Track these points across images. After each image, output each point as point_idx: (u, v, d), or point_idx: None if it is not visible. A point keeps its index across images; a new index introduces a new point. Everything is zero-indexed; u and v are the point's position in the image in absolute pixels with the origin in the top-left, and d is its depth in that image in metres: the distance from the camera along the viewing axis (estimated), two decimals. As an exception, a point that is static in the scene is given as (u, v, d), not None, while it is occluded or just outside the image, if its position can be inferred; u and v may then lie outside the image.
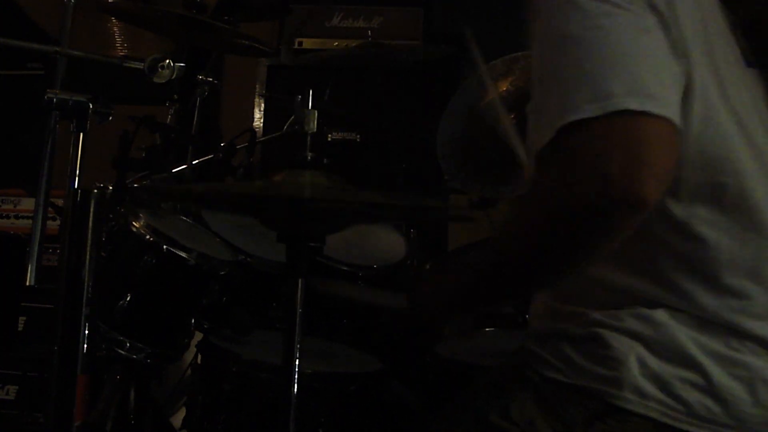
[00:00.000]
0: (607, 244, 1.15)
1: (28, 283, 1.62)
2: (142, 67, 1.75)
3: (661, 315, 1.19)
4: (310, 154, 1.25)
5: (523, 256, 1.21)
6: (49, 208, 1.69)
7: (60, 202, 1.82)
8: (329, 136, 3.27)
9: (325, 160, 2.35)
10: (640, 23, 1.14)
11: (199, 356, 1.95)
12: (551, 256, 1.18)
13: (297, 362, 1.23)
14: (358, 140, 3.31)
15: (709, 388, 1.16)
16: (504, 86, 2.18)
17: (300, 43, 3.41)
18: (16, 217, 3.21)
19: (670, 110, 1.11)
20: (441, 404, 1.88)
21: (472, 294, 1.33)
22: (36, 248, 1.63)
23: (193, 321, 1.98)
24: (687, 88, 1.16)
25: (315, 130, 1.35)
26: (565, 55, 1.15)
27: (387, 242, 2.31)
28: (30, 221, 1.90)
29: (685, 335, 1.18)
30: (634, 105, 1.08)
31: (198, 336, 1.99)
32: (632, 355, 1.18)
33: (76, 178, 1.66)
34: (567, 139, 1.10)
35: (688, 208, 1.19)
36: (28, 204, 3.17)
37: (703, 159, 1.19)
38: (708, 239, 1.19)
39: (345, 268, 2.09)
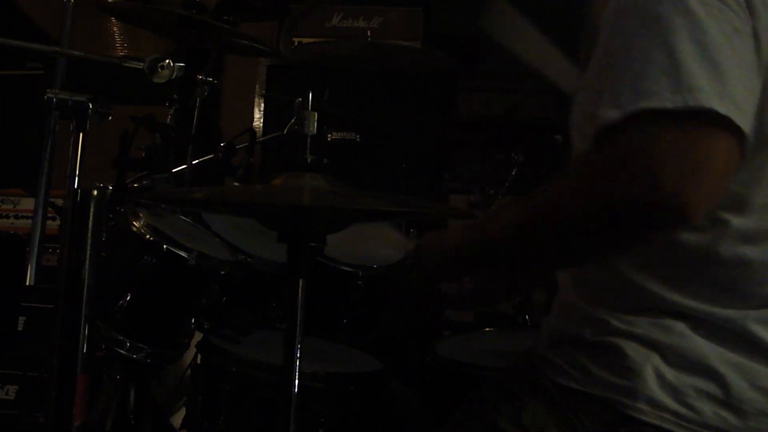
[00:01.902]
0: (636, 245, 1.13)
1: (28, 283, 1.62)
2: (142, 67, 1.75)
3: (681, 324, 1.17)
4: (310, 156, 1.25)
5: (548, 227, 1.15)
6: (49, 208, 1.69)
7: (60, 202, 1.82)
8: (329, 136, 3.27)
9: (324, 161, 2.35)
10: (734, 21, 1.07)
11: (199, 356, 1.95)
12: (578, 238, 1.14)
13: (297, 362, 1.23)
14: (358, 140, 3.31)
15: (727, 399, 1.14)
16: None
17: (299, 44, 3.42)
18: (16, 217, 3.20)
19: (748, 122, 1.05)
20: (441, 404, 1.88)
21: (481, 249, 1.27)
22: (36, 248, 1.63)
23: (193, 321, 1.98)
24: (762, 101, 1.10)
25: (315, 131, 1.35)
26: (648, 34, 1.07)
27: (387, 242, 2.30)
28: (30, 221, 1.90)
29: (705, 345, 1.16)
30: (719, 106, 1.02)
31: (198, 336, 1.99)
32: (648, 365, 1.16)
33: (76, 178, 1.66)
34: (637, 126, 1.03)
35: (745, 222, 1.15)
36: (28, 204, 3.17)
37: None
38: (748, 255, 1.16)
39: (345, 268, 2.09)
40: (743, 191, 1.14)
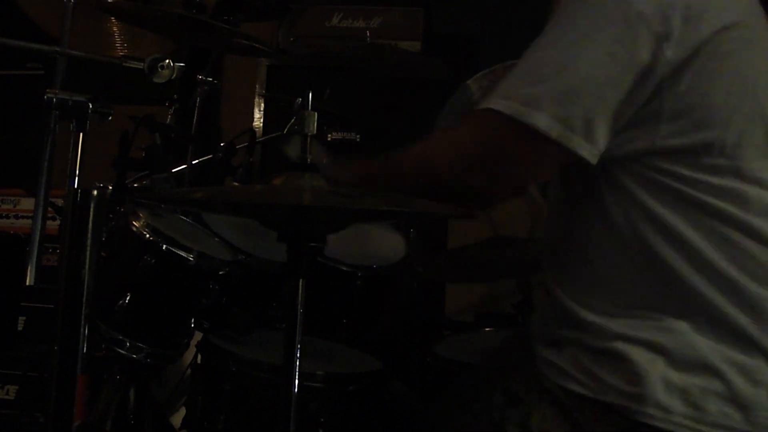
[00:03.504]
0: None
1: (28, 283, 1.62)
2: (142, 67, 1.75)
3: (682, 325, 1.18)
4: (310, 156, 1.25)
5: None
6: (49, 208, 1.69)
7: (60, 202, 1.82)
8: (329, 136, 3.27)
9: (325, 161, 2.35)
10: (621, 42, 1.16)
11: (199, 356, 1.95)
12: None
13: (297, 362, 1.23)
14: (358, 140, 3.31)
15: (730, 396, 1.16)
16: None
17: (298, 38, 3.41)
18: (16, 217, 3.20)
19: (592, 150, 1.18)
20: (441, 404, 1.88)
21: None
22: (36, 248, 1.63)
23: (193, 321, 1.98)
24: None
25: (315, 132, 1.35)
26: (540, 42, 1.21)
27: (387, 242, 2.30)
28: (30, 221, 1.90)
29: (706, 345, 1.17)
30: (547, 127, 1.15)
31: (198, 336, 1.99)
32: (654, 370, 1.17)
33: (76, 178, 1.66)
34: (476, 119, 1.23)
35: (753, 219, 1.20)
36: (28, 204, 3.17)
37: None
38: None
39: (345, 268, 2.09)
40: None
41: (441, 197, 1.23)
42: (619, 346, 1.19)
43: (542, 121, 1.14)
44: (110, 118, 1.70)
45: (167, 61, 1.74)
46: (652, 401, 1.16)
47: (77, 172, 1.66)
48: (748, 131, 1.21)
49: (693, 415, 1.15)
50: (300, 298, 1.24)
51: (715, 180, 1.19)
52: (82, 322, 1.60)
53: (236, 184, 2.28)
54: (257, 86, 3.42)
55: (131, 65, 1.76)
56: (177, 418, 2.33)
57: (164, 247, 1.91)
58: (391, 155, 1.37)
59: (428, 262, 2.36)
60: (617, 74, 1.15)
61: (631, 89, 1.15)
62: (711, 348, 1.17)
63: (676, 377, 1.16)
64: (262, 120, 3.41)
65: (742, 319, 1.18)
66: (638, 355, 1.18)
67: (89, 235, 1.60)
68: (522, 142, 1.17)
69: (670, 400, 1.16)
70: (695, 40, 1.16)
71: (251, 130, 2.43)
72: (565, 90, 1.15)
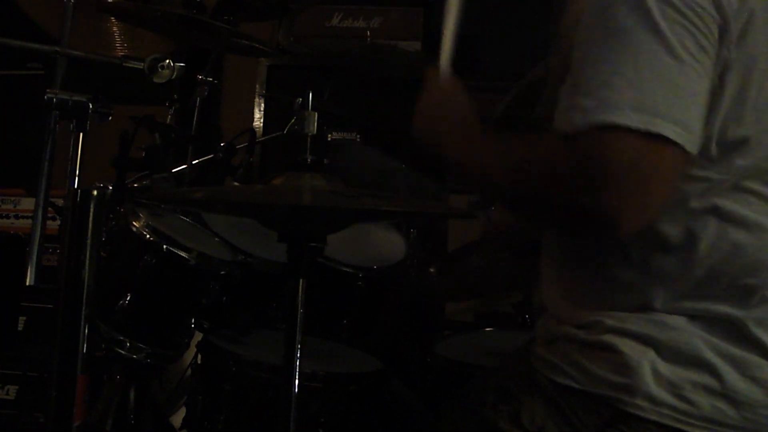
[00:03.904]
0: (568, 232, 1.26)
1: (28, 283, 1.62)
2: (142, 67, 1.75)
3: (676, 319, 1.18)
4: (310, 156, 1.25)
5: (506, 189, 1.25)
6: (49, 208, 1.69)
7: (60, 202, 1.82)
8: (329, 136, 3.27)
9: (325, 161, 2.35)
10: (700, 39, 1.11)
11: (199, 356, 1.95)
12: (524, 208, 1.28)
13: (297, 362, 1.23)
14: (358, 140, 3.31)
15: (723, 391, 1.16)
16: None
17: (298, 37, 3.41)
18: (16, 217, 3.20)
19: (697, 145, 1.11)
20: (441, 404, 1.88)
21: (454, 160, 1.35)
22: (36, 248, 1.63)
23: (193, 321, 1.98)
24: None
25: (315, 132, 1.36)
26: (617, 47, 1.11)
27: (387, 242, 2.30)
28: (30, 221, 1.91)
29: (699, 338, 1.17)
30: (676, 136, 1.08)
31: (198, 336, 1.99)
32: (644, 362, 1.17)
33: (76, 178, 1.66)
34: (597, 137, 1.09)
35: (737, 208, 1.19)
36: (28, 204, 3.17)
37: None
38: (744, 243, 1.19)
39: (345, 269, 2.09)
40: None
41: (565, 215, 1.16)
42: (610, 338, 1.20)
43: (668, 130, 1.08)
44: (110, 118, 1.70)
45: (167, 61, 1.74)
46: (641, 392, 1.16)
47: (77, 172, 1.66)
48: None
49: (683, 409, 1.15)
50: (300, 298, 1.24)
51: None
52: (82, 322, 1.60)
53: (236, 184, 2.28)
54: (257, 86, 3.41)
55: (131, 65, 1.76)
56: (177, 418, 2.33)
57: (164, 247, 1.91)
58: (510, 146, 1.27)
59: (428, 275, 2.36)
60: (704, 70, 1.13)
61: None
62: (704, 341, 1.17)
63: (667, 369, 1.16)
64: (262, 120, 3.41)
65: (736, 313, 1.18)
66: (628, 347, 1.18)
67: (89, 235, 1.60)
68: (654, 154, 1.09)
69: (659, 392, 1.16)
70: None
71: (251, 130, 2.42)
72: (674, 93, 1.10)
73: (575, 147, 1.11)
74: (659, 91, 1.09)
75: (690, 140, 1.09)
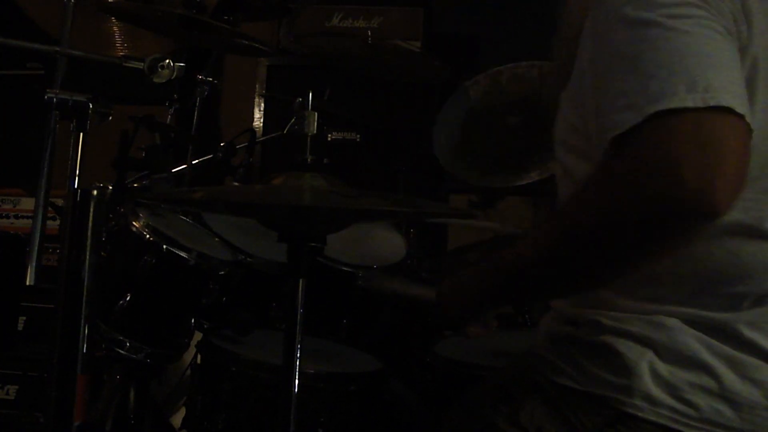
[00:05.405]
0: (669, 250, 1.11)
1: (28, 283, 1.62)
2: (142, 67, 1.75)
3: (674, 321, 1.18)
4: (310, 156, 1.25)
5: (580, 249, 1.14)
6: (49, 208, 1.69)
7: (60, 202, 1.82)
8: (329, 136, 3.27)
9: (325, 161, 2.35)
10: (717, 26, 1.10)
11: (199, 356, 1.95)
12: (613, 252, 1.12)
13: (297, 362, 1.23)
14: (358, 140, 3.31)
15: (721, 392, 1.15)
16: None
17: (299, 36, 3.41)
18: (16, 217, 3.20)
19: (750, 118, 1.07)
20: (441, 404, 1.88)
21: (500, 292, 1.29)
22: (36, 248, 1.63)
23: (193, 321, 1.98)
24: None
25: (315, 131, 1.36)
26: (646, 41, 1.08)
27: (387, 242, 2.31)
28: (30, 221, 1.90)
29: (697, 340, 1.17)
30: (735, 105, 1.04)
31: (198, 336, 1.99)
32: (643, 363, 1.17)
33: (76, 178, 1.66)
34: (656, 127, 1.03)
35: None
36: (28, 204, 3.17)
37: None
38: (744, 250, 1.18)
39: (345, 268, 2.09)
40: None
41: (655, 225, 1.06)
42: (610, 339, 1.20)
43: (726, 101, 1.04)
44: (110, 118, 1.70)
45: (167, 61, 1.74)
46: (640, 393, 1.16)
47: (77, 172, 1.66)
48: None
49: (682, 410, 1.15)
50: (300, 298, 1.24)
51: None
52: (82, 322, 1.60)
53: (236, 184, 2.28)
54: (257, 86, 3.42)
55: (131, 65, 1.76)
56: (177, 418, 2.33)
57: (164, 247, 1.91)
58: (544, 228, 1.19)
59: (433, 267, 2.36)
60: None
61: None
62: (701, 343, 1.17)
63: (666, 370, 1.16)
64: (262, 120, 3.41)
65: (726, 317, 1.18)
66: (627, 348, 1.18)
67: (89, 235, 1.60)
68: (721, 126, 1.04)
69: (658, 393, 1.16)
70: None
71: (251, 130, 2.43)
72: (719, 70, 1.08)
73: (632, 147, 1.06)
74: (703, 68, 1.06)
75: (747, 111, 1.06)
